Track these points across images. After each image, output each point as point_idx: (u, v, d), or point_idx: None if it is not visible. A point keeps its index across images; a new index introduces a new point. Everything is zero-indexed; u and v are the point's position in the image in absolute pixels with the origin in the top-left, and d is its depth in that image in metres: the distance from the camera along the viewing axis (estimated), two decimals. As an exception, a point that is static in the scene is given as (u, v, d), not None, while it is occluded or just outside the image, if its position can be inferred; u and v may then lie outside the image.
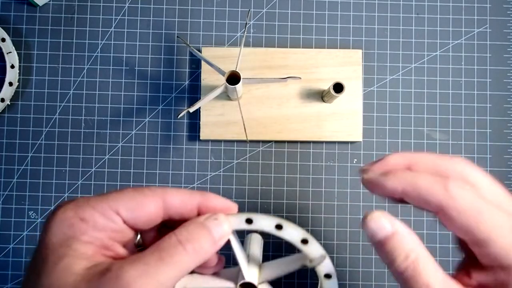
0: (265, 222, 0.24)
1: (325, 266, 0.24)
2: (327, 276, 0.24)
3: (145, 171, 0.47)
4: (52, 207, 0.47)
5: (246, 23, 0.44)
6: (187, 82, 0.48)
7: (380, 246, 0.22)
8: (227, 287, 0.25)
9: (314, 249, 0.24)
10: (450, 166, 0.24)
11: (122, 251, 0.22)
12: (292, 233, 0.24)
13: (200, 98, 0.45)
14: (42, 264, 0.20)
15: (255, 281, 0.25)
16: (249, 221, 0.24)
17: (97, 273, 0.19)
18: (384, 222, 0.22)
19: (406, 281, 0.21)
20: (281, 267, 0.26)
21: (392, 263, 0.22)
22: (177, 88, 0.48)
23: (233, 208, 0.25)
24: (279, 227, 0.24)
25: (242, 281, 0.25)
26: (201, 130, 0.46)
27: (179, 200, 0.23)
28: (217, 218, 0.23)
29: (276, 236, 0.24)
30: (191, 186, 0.47)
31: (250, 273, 0.25)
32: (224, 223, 0.23)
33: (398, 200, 0.24)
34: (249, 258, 0.26)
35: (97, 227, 0.21)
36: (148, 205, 0.22)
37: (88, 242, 0.21)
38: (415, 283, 0.21)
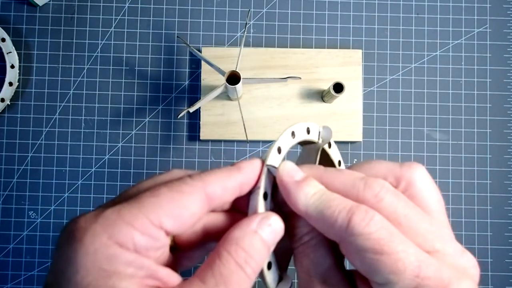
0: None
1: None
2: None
3: (145, 171, 0.47)
4: (52, 206, 0.47)
5: (246, 23, 0.44)
6: (187, 82, 0.48)
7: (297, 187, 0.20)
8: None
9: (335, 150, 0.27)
10: (404, 174, 0.21)
11: (166, 275, 0.18)
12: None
13: (200, 98, 0.45)
14: None
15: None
16: (279, 150, 0.23)
17: None
18: (291, 165, 0.21)
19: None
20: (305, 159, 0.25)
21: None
22: (177, 88, 0.48)
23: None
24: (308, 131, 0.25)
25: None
26: (201, 130, 0.46)
27: (221, 188, 0.20)
28: (270, 221, 0.20)
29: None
30: (191, 186, 0.47)
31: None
32: (277, 223, 0.20)
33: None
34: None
35: (140, 251, 0.17)
36: (191, 207, 0.19)
37: (133, 276, 0.17)
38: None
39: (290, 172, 0.21)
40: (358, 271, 0.20)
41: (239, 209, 0.23)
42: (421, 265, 0.18)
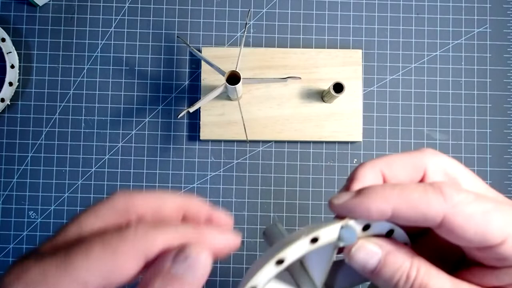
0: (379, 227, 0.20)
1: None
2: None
3: (145, 171, 0.47)
4: (52, 206, 0.47)
5: (246, 23, 0.44)
6: (187, 82, 0.48)
7: (376, 275, 0.19)
8: None
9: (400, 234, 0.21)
10: (425, 161, 0.21)
11: None
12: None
13: (200, 98, 0.45)
14: None
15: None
16: (366, 227, 0.19)
17: None
18: (372, 247, 0.19)
19: None
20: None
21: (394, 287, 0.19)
22: (177, 88, 0.48)
23: (234, 246, 0.20)
24: (390, 233, 0.20)
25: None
26: (201, 130, 0.46)
27: (163, 245, 0.17)
28: (187, 253, 0.17)
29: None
30: (191, 186, 0.47)
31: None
32: (199, 255, 0.17)
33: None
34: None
35: None
36: (126, 267, 0.17)
37: None
38: None
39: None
40: (464, 244, 0.19)
41: None
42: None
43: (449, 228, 0.18)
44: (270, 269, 0.18)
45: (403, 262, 0.19)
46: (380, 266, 0.19)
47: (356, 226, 0.19)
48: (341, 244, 0.19)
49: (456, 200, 0.18)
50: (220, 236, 0.19)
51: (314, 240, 0.18)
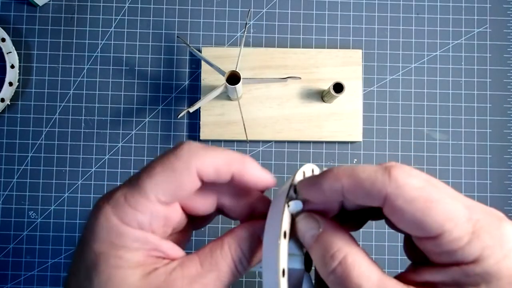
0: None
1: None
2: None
3: (145, 171, 0.47)
4: (52, 206, 0.47)
5: (246, 23, 0.44)
6: (187, 82, 0.48)
7: (310, 248, 0.21)
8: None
9: None
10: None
11: (169, 248, 0.21)
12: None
13: (200, 98, 0.45)
14: (94, 273, 0.19)
15: None
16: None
17: (152, 285, 0.20)
18: (312, 222, 0.21)
19: (335, 285, 0.19)
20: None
21: (320, 266, 0.20)
22: (177, 88, 0.48)
23: (270, 183, 0.23)
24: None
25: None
26: (201, 130, 0.46)
27: (213, 169, 0.21)
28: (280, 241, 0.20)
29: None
30: (191, 186, 0.47)
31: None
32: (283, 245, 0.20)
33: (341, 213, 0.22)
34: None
35: (144, 228, 0.20)
36: (185, 183, 0.21)
37: (138, 249, 0.20)
38: (346, 287, 0.18)
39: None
40: (408, 232, 0.19)
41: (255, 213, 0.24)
42: (470, 207, 0.18)
43: (390, 210, 0.19)
44: (283, 246, 0.20)
45: (332, 244, 0.20)
46: (314, 241, 0.20)
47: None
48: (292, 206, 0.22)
49: (402, 182, 0.18)
50: (258, 170, 0.22)
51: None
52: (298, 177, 0.23)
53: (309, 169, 0.25)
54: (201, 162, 0.21)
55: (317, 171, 0.25)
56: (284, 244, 0.20)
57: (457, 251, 0.18)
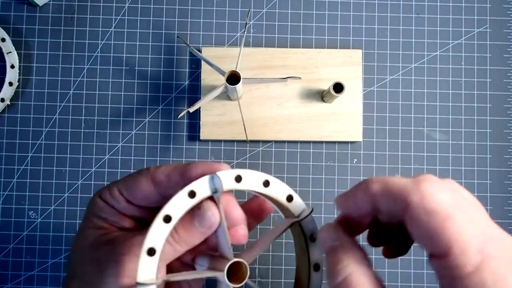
0: (254, 178, 0.23)
1: (311, 223, 0.24)
2: (312, 238, 0.24)
3: (145, 171, 0.47)
4: (52, 206, 0.47)
5: (246, 23, 0.44)
6: (187, 82, 0.48)
7: (326, 256, 0.22)
8: (216, 274, 0.23)
9: (299, 204, 0.24)
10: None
11: (128, 224, 0.27)
12: (278, 190, 0.24)
13: (200, 98, 0.45)
14: (78, 230, 0.27)
15: (246, 260, 0.23)
16: (238, 178, 0.23)
17: (104, 241, 0.25)
18: (334, 233, 0.22)
19: None
20: (269, 236, 0.24)
21: (328, 276, 0.21)
22: (177, 88, 0.48)
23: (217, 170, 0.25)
24: (266, 183, 0.23)
25: (233, 260, 0.22)
26: (201, 130, 0.46)
27: (164, 174, 0.25)
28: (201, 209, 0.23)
29: (263, 194, 0.24)
30: (191, 186, 0.47)
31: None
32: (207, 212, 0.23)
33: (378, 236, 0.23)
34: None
35: (112, 205, 0.26)
36: (141, 184, 0.25)
37: (103, 218, 0.26)
38: None
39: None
40: (419, 244, 0.19)
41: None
42: (485, 239, 0.18)
43: (408, 218, 0.19)
44: (159, 226, 0.21)
45: (343, 258, 0.21)
46: (329, 251, 0.22)
47: (226, 175, 0.22)
48: (217, 196, 0.22)
49: (427, 193, 0.19)
50: (201, 168, 0.24)
51: (192, 193, 0.22)
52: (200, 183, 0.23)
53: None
54: (156, 171, 0.25)
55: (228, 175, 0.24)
56: (161, 224, 0.21)
57: (457, 279, 0.18)
